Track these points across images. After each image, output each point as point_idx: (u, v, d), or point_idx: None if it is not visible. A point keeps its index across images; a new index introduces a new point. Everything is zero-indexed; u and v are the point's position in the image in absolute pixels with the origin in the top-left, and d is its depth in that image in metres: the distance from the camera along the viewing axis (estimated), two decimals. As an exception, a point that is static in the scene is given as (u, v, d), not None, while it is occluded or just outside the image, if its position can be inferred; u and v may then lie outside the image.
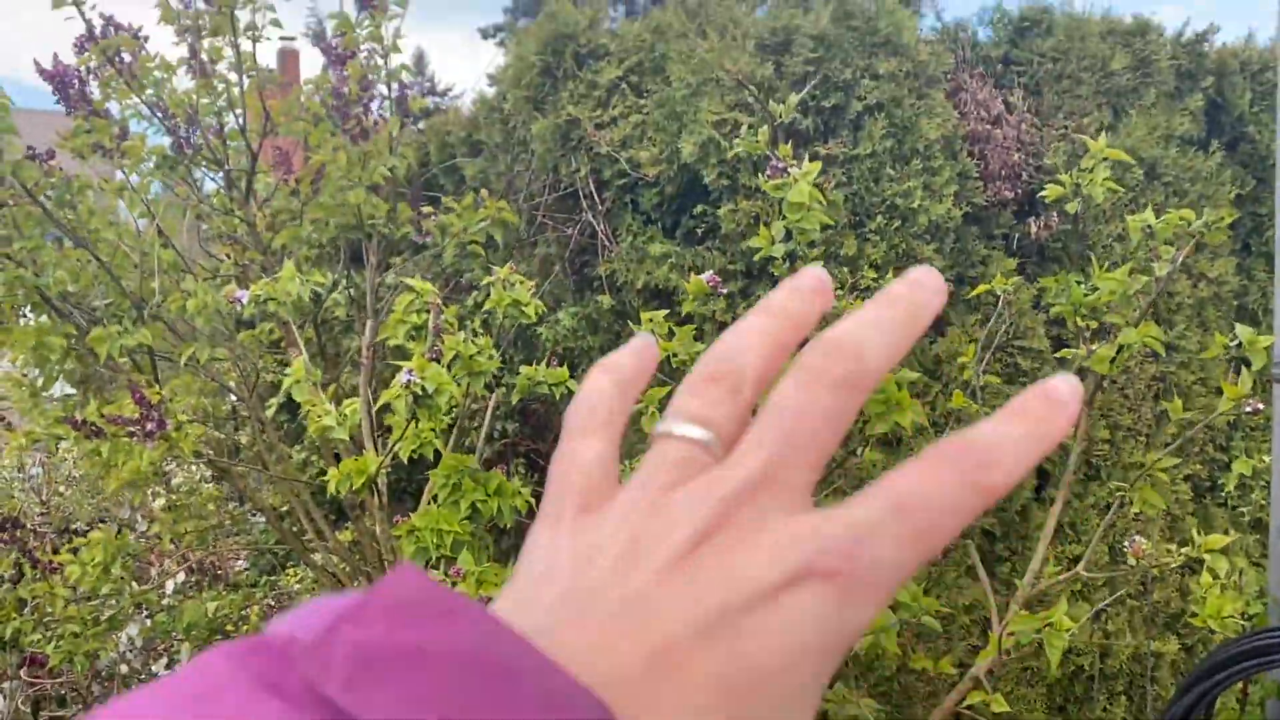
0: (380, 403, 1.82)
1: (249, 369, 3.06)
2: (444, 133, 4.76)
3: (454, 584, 1.88)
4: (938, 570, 3.16)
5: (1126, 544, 1.56)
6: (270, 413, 5.16)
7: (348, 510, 3.10)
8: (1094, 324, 1.73)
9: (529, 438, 4.58)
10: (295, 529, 3.60)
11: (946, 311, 3.20)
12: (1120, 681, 3.37)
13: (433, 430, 1.93)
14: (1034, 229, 3.16)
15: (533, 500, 2.34)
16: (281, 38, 2.97)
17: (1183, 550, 1.47)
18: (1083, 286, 1.66)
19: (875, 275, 2.97)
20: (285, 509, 4.10)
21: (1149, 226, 1.71)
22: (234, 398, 5.65)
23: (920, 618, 1.78)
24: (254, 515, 5.19)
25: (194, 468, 5.42)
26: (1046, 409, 0.31)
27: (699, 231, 3.26)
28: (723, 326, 2.52)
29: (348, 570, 3.46)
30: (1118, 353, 1.57)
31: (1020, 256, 3.29)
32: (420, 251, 4.03)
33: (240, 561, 5.35)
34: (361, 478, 1.97)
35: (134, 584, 3.17)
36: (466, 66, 35.02)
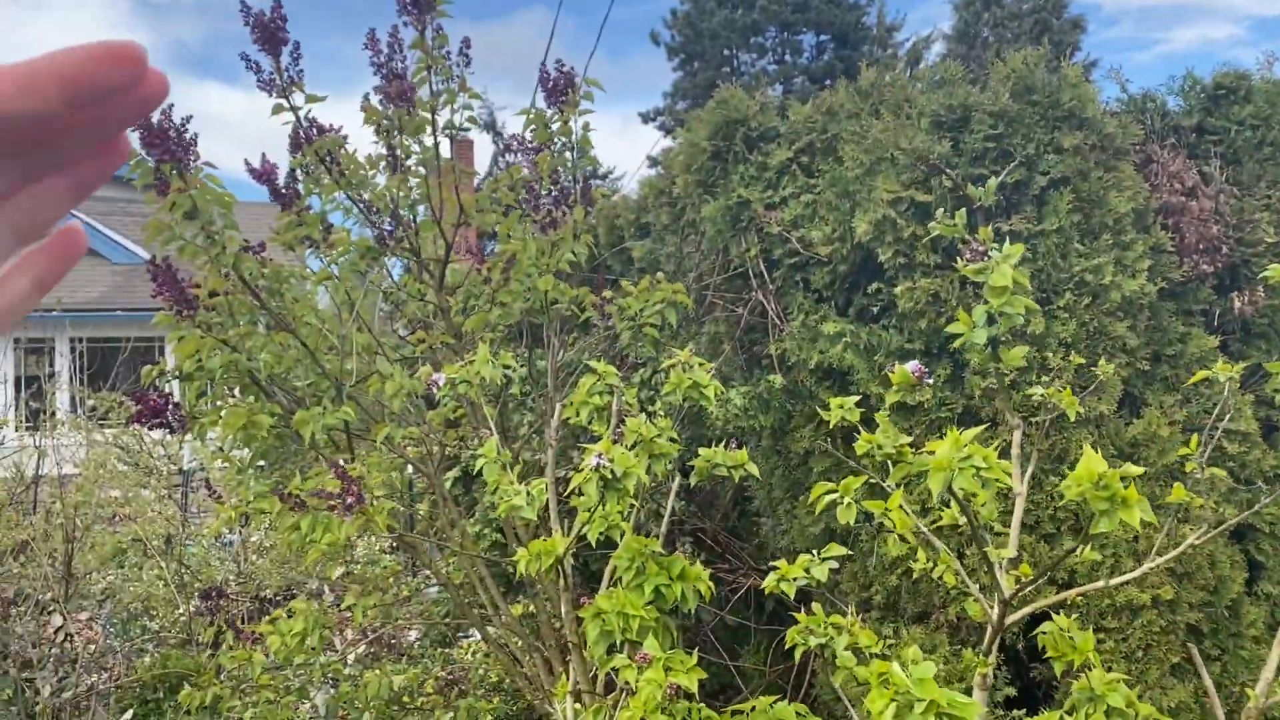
0: (572, 486, 1.85)
1: (433, 446, 3.18)
2: (613, 217, 4.90)
3: (640, 670, 1.88)
4: (1139, 668, 2.95)
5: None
6: (448, 485, 5.34)
7: (525, 586, 3.15)
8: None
9: (695, 515, 4.56)
10: (469, 600, 3.69)
11: (1143, 391, 3.03)
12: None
13: (620, 513, 1.95)
14: (1237, 304, 2.98)
15: (713, 585, 2.33)
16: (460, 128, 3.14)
17: None
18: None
19: (1064, 354, 2.86)
20: (460, 581, 4.21)
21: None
22: (412, 471, 5.87)
23: (1137, 725, 1.66)
24: (427, 588, 5.35)
25: (372, 539, 5.65)
26: None
27: (874, 310, 3.22)
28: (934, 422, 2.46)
29: (520, 645, 3.51)
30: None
31: (1222, 334, 3.10)
32: (589, 331, 4.12)
33: (412, 633, 5.51)
34: (550, 559, 2.01)
35: (324, 655, 3.30)
36: (625, 148, 35.98)
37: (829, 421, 1.85)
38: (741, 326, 3.65)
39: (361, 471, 2.59)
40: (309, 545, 2.68)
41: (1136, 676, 3.00)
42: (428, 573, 5.28)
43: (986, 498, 1.49)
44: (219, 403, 2.92)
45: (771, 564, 1.94)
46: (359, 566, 4.99)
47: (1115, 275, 2.88)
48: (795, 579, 1.79)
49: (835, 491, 1.65)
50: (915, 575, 2.49)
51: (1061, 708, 1.84)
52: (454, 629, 4.98)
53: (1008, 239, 1.95)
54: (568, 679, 2.37)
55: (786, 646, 2.02)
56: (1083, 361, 2.22)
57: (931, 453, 1.33)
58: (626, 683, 1.95)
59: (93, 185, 0.42)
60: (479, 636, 3.95)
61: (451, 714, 3.47)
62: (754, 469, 2.43)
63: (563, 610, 2.28)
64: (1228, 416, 2.30)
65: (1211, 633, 3.02)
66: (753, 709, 2.11)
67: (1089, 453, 1.26)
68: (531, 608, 3.49)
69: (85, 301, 10.35)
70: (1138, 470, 1.27)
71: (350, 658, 4.37)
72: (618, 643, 2.05)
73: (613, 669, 2.05)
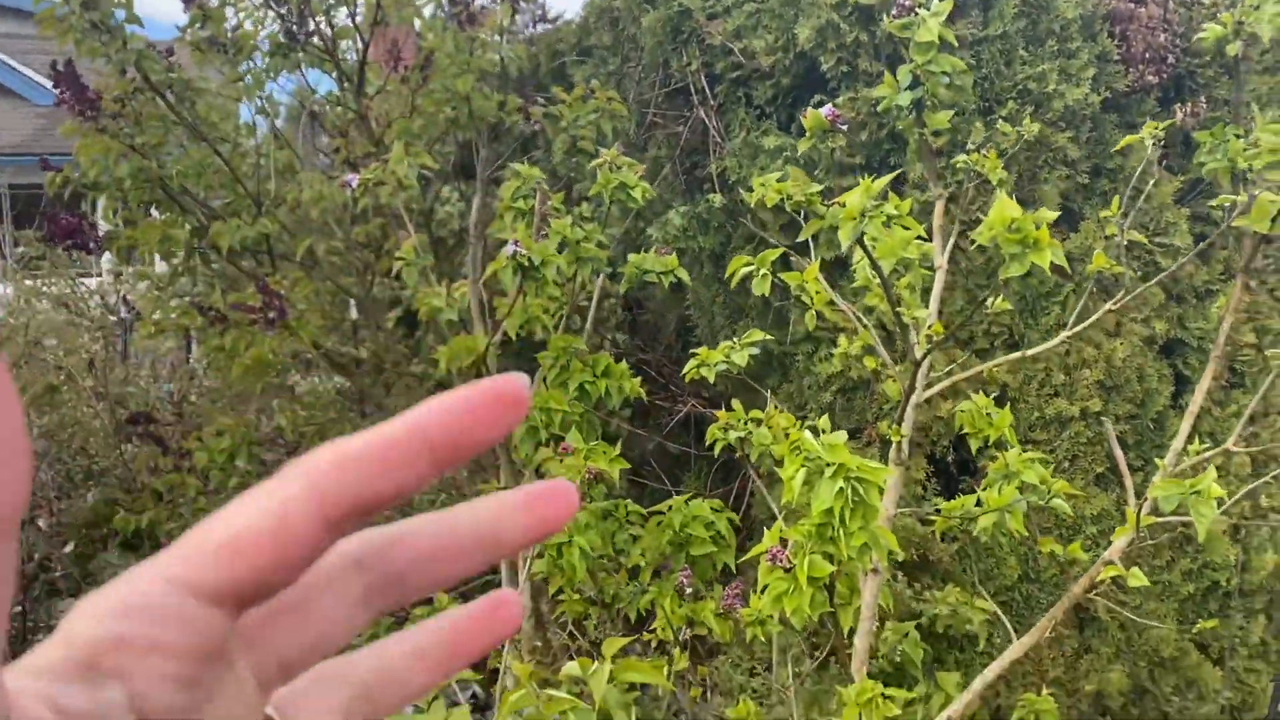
0: (486, 274, 1.80)
1: (364, 268, 3.09)
2: (555, 43, 4.70)
3: (562, 459, 1.87)
4: (1065, 478, 3.02)
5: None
6: (390, 325, 5.26)
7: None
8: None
9: (639, 348, 4.56)
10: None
11: (1082, 205, 3.01)
12: (1259, 599, 3.18)
13: (541, 308, 1.90)
14: (1180, 116, 2.93)
15: (642, 391, 2.31)
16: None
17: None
18: (1242, 141, 1.51)
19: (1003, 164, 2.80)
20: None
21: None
22: (354, 314, 5.79)
23: (1049, 501, 1.69)
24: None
25: (318, 379, 5.60)
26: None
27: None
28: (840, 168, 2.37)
29: (465, 473, 3.52)
30: (1281, 210, 1.42)
31: (1164, 147, 3.06)
32: (529, 152, 4.00)
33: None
34: (471, 356, 1.97)
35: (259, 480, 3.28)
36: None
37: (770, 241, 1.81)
38: (682, 147, 3.55)
39: (284, 287, 2.51)
40: (234, 361, 2.62)
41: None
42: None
43: (914, 263, 1.45)
44: (135, 222, 2.81)
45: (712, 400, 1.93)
46: (301, 402, 4.95)
47: (1059, 84, 2.81)
48: (715, 364, 1.77)
49: (752, 264, 1.61)
50: (835, 362, 2.49)
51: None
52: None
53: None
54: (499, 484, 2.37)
55: (707, 443, 2.02)
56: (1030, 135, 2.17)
57: (842, 204, 1.29)
58: (549, 474, 1.94)
59: None
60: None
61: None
62: (684, 275, 2.39)
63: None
64: (1152, 181, 2.28)
65: (1136, 444, 3.09)
66: (670, 507, 2.12)
67: (1003, 198, 1.22)
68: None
69: (6, 146, 9.90)
70: (1051, 215, 1.24)
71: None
72: (543, 440, 2.04)
73: (539, 467, 2.04)
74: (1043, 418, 2.98)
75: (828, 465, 1.40)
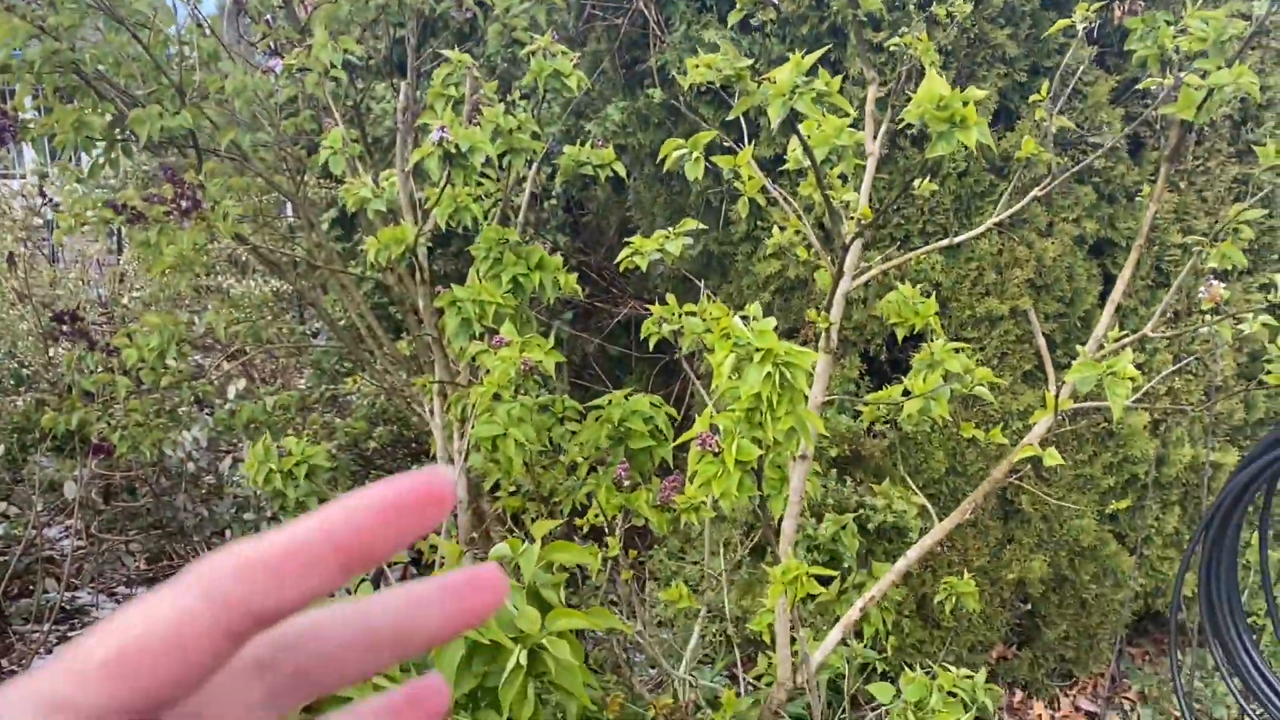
0: (412, 162, 1.75)
1: (296, 165, 3.01)
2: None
3: (496, 351, 1.86)
4: (995, 375, 3.09)
5: (1201, 290, 1.46)
6: (326, 226, 5.14)
7: (408, 328, 3.11)
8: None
9: (581, 250, 4.53)
10: (356, 343, 3.63)
11: (1019, 105, 3.01)
12: (1175, 491, 3.32)
13: (470, 196, 1.87)
14: (1118, 13, 2.93)
15: (578, 288, 2.30)
16: None
17: (1266, 296, 1.37)
18: (1172, 28, 1.51)
19: (942, 61, 2.79)
20: (345, 323, 4.13)
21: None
22: (291, 217, 5.66)
23: (972, 388, 1.73)
24: (315, 338, 5.28)
25: (253, 283, 5.49)
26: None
27: (756, 16, 3.08)
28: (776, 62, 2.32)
29: (405, 377, 3.50)
30: (1206, 97, 1.43)
31: (1099, 46, 3.06)
32: (464, 43, 3.88)
33: (304, 382, 5.46)
34: (400, 246, 1.93)
35: (193, 381, 3.23)
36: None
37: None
38: (621, 40, 3.47)
39: (199, 179, 2.43)
40: (156, 258, 2.55)
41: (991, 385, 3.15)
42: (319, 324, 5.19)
43: (847, 152, 1.45)
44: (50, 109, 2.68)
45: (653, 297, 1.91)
46: (234, 301, 4.87)
47: (1000, -22, 2.78)
48: (649, 253, 1.76)
49: (684, 147, 1.60)
50: (773, 262, 2.50)
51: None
52: (345, 374, 4.96)
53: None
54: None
55: (642, 336, 2.03)
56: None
57: (773, 80, 1.27)
58: (485, 368, 1.94)
59: None
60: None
61: (331, 431, 3.48)
62: (621, 168, 2.36)
63: (421, 306, 2.23)
64: (1084, 123, 2.29)
65: (1064, 342, 3.16)
66: (609, 401, 2.13)
67: (931, 75, 1.21)
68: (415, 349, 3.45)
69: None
70: (981, 94, 1.24)
71: (231, 392, 4.32)
72: (477, 333, 2.03)
73: (473, 360, 2.03)
74: (974, 316, 3.03)
75: (757, 351, 1.41)
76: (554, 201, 4.35)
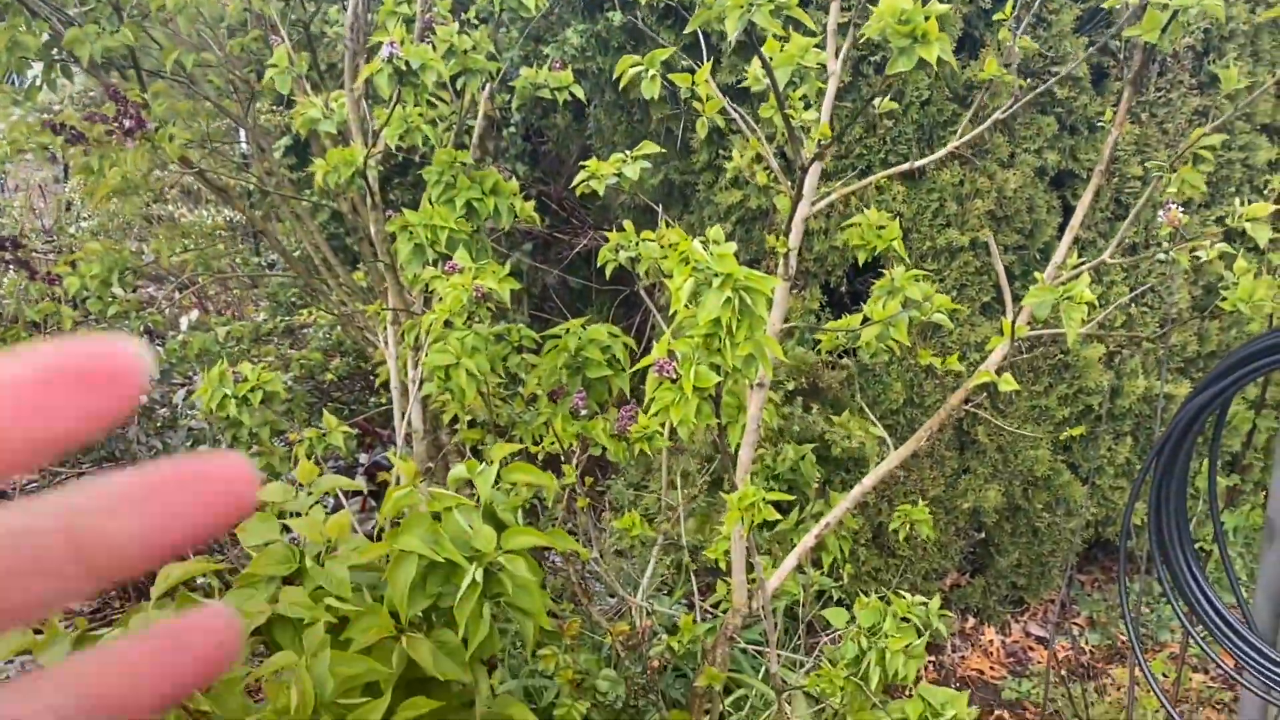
0: (361, 78, 1.69)
1: (245, 87, 2.91)
2: None
3: (449, 277, 1.82)
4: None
5: (1159, 214, 1.45)
6: (278, 154, 5.00)
7: (362, 258, 3.04)
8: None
9: (540, 180, 4.45)
10: (311, 275, 3.55)
11: (984, 32, 2.97)
12: (1128, 422, 3.37)
13: (421, 115, 1.81)
14: (1086, -61, 2.89)
15: (535, 215, 2.25)
16: None
17: (1222, 223, 1.36)
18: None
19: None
20: (299, 254, 4.05)
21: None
22: (245, 145, 5.51)
23: (931, 315, 1.72)
24: (271, 269, 5.18)
25: (205, 213, 5.35)
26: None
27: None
28: None
29: (360, 306, 3.44)
30: (1171, 19, 1.41)
31: (1068, -27, 3.02)
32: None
33: (261, 315, 5.38)
34: (349, 169, 1.88)
35: (139, 310, 3.15)
36: None
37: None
38: (581, -37, 3.38)
39: (142, 97, 2.34)
40: (99, 182, 2.47)
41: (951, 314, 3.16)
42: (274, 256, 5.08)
43: (809, 75, 1.41)
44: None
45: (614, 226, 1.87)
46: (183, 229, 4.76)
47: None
48: (606, 177, 1.72)
49: (640, 64, 1.55)
50: (734, 192, 2.47)
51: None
52: (301, 308, 4.87)
53: None
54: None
55: (599, 264, 2.00)
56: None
57: (732, -7, 1.23)
58: (438, 295, 1.90)
59: None
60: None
61: (286, 363, 3.42)
62: (579, 91, 2.30)
63: (373, 232, 2.18)
64: (1049, 51, 2.25)
65: (1023, 274, 3.16)
66: (567, 330, 2.10)
67: (892, -11, 1.18)
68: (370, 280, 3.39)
69: None
70: (943, 8, 1.20)
71: (184, 324, 4.24)
72: (430, 260, 1.98)
73: (427, 285, 1.99)
74: (934, 247, 3.03)
75: (716, 276, 1.38)
76: (513, 129, 4.26)
